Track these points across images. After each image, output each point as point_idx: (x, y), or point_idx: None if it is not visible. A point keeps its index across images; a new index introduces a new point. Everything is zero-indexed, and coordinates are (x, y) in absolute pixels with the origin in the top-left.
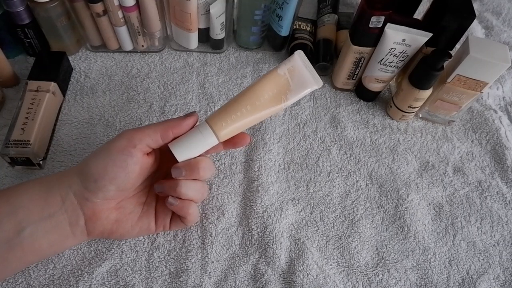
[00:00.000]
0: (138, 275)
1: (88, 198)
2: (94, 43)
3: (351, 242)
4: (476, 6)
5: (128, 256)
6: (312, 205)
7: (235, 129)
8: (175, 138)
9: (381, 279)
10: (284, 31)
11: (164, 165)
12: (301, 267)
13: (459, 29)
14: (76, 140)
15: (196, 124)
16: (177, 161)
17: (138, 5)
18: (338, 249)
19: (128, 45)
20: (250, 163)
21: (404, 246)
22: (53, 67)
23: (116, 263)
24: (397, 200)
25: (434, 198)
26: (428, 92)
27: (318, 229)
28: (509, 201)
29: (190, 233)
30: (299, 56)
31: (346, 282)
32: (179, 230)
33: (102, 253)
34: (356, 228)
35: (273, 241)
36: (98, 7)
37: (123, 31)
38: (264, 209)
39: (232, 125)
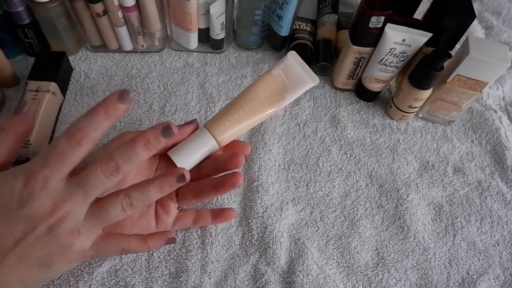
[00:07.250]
0: (138, 275)
1: None
2: (94, 43)
3: (351, 242)
4: (476, 6)
5: (128, 256)
6: (312, 205)
7: (234, 132)
8: (174, 146)
9: (381, 279)
10: (284, 31)
11: (163, 167)
12: (301, 267)
13: (459, 29)
14: None
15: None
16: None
17: (138, 5)
18: (338, 249)
19: (128, 45)
20: (250, 163)
21: (404, 246)
22: (53, 67)
23: (116, 263)
24: (397, 200)
25: (434, 198)
26: (428, 92)
27: (318, 229)
28: (509, 201)
29: (190, 233)
30: (292, 57)
31: (346, 282)
32: (179, 230)
33: None
34: (356, 228)
35: (273, 241)
36: (98, 7)
37: (123, 31)
38: (264, 209)
39: (230, 127)
